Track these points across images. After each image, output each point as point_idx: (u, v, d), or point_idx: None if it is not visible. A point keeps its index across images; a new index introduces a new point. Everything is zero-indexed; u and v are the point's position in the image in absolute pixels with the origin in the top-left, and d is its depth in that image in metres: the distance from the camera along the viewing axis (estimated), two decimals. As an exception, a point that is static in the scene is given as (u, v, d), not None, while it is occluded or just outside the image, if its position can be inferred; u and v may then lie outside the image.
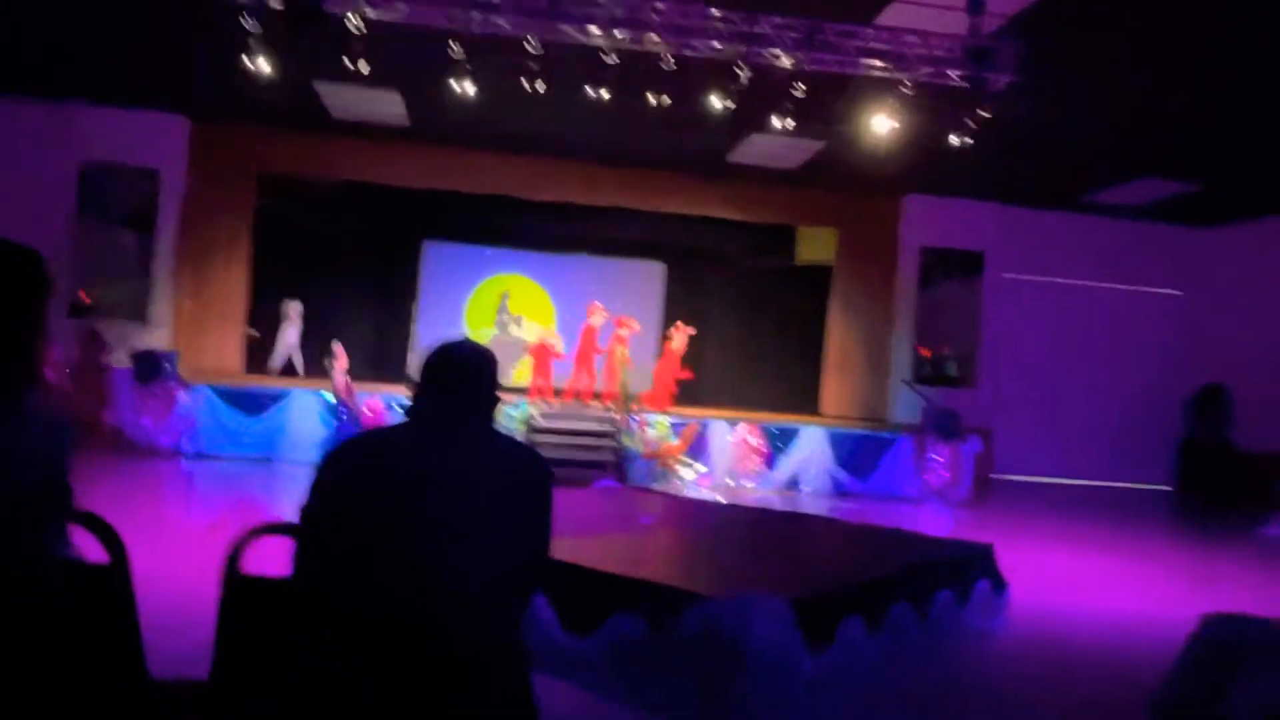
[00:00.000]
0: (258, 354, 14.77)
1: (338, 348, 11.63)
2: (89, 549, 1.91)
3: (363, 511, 2.02)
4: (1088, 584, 7.85)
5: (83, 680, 1.73)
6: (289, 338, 15.00)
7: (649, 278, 16.97)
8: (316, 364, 13.96)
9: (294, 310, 14.97)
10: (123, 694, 1.74)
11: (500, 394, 2.30)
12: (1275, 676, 1.89)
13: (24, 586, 1.67)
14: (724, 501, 10.41)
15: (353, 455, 2.16)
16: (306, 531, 2.02)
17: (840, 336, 15.59)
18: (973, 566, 6.15)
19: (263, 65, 9.56)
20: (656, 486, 11.18)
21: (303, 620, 1.81)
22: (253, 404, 11.90)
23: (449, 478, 2.07)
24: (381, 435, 2.46)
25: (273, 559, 1.95)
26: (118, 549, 1.69)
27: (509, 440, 2.45)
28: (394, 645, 1.81)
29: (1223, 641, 2.17)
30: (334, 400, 11.54)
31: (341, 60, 9.35)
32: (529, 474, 2.25)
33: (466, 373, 2.24)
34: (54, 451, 2.64)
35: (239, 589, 1.76)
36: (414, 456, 2.11)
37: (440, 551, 1.90)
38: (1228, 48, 8.78)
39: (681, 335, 13.32)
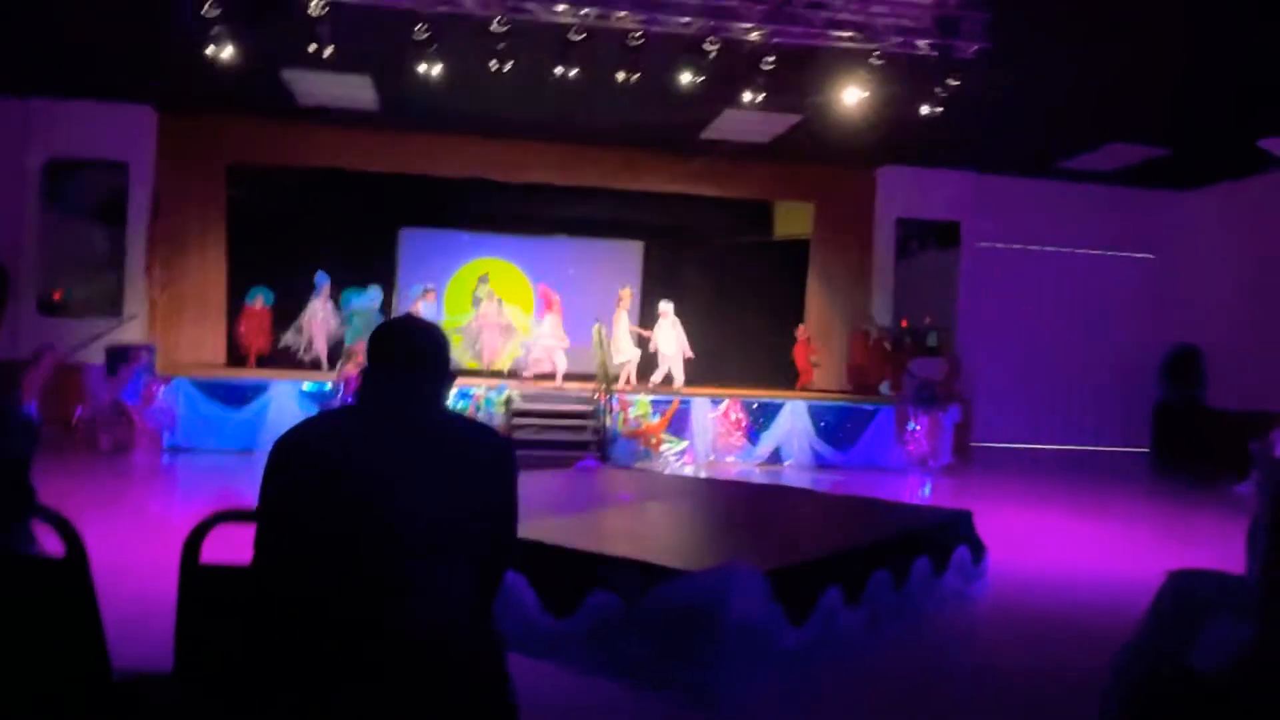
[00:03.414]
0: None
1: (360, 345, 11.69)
2: (53, 546, 1.90)
3: (318, 499, 1.96)
4: (1066, 546, 7.93)
5: (44, 674, 1.72)
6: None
7: (627, 257, 16.92)
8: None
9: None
10: (85, 688, 1.74)
11: (454, 371, 2.20)
12: (1239, 625, 1.92)
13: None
14: (704, 477, 10.45)
15: (305, 440, 2.08)
16: (264, 519, 1.99)
17: (820, 310, 15.61)
18: (952, 533, 6.21)
19: (227, 54, 9.44)
20: (638, 465, 11.20)
21: (265, 609, 1.80)
22: (233, 396, 11.82)
23: (404, 461, 2.00)
24: (334, 417, 2.39)
25: (235, 547, 1.94)
26: (74, 543, 1.68)
27: (465, 420, 2.40)
28: (359, 634, 1.80)
29: (1188, 596, 2.20)
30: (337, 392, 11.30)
31: (307, 47, 9.25)
32: (488, 454, 2.15)
33: (417, 351, 2.13)
34: (15, 449, 2.62)
35: (198, 578, 1.75)
36: (367, 440, 2.03)
37: (399, 537, 1.87)
38: (1193, 12, 8.79)
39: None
